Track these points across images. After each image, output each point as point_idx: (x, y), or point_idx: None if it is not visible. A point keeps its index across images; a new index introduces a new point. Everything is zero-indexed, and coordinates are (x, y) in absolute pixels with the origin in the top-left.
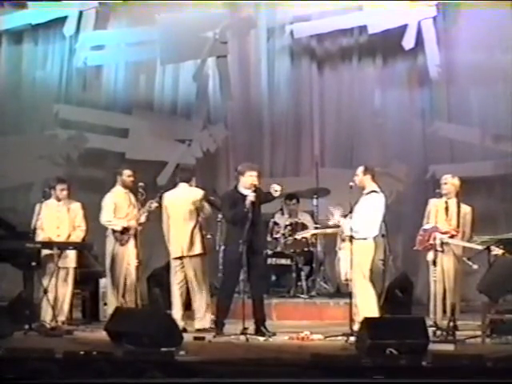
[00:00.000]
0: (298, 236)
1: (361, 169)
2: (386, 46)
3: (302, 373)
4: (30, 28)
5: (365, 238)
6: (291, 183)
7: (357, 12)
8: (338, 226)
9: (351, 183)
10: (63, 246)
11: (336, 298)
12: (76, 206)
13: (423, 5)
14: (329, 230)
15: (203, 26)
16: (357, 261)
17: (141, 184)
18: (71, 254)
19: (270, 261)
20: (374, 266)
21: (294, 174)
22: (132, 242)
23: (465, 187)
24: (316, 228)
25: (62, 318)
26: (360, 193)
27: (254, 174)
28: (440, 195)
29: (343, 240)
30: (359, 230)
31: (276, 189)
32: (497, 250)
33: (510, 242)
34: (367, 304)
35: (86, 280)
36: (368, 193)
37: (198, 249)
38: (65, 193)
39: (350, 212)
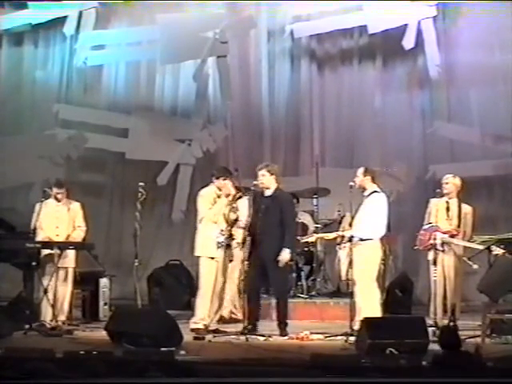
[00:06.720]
0: (303, 240)
1: (361, 170)
2: (386, 46)
3: (302, 373)
4: (30, 28)
5: (371, 239)
6: (291, 183)
7: (357, 12)
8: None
9: (351, 183)
10: (63, 246)
11: (336, 297)
12: (76, 206)
13: (423, 5)
14: (333, 235)
15: (203, 26)
16: (363, 262)
17: (141, 184)
18: (70, 254)
19: None
20: (380, 267)
21: (293, 173)
22: None
23: (465, 187)
24: (316, 228)
25: (62, 317)
26: (360, 194)
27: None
28: (441, 195)
29: (344, 242)
30: (365, 231)
31: None
32: (497, 250)
33: (510, 242)
34: (370, 305)
35: (86, 280)
36: (369, 194)
37: None
38: (60, 196)
39: (353, 217)
